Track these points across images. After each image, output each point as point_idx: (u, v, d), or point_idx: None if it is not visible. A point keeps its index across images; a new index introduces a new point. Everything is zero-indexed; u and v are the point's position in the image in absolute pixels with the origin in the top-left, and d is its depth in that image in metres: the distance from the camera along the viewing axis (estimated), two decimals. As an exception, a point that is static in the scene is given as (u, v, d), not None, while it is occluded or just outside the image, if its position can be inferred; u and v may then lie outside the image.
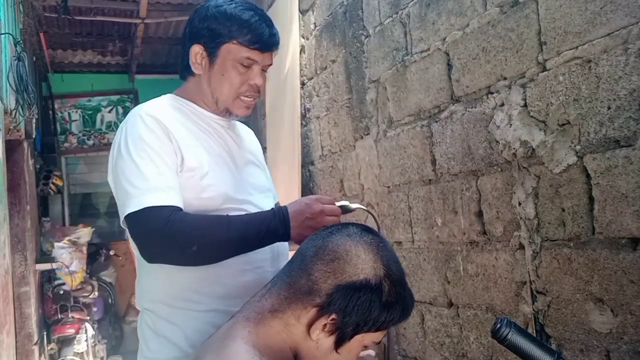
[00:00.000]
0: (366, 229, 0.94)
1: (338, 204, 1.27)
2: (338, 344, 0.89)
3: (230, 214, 1.25)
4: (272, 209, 1.25)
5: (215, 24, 1.29)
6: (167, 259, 1.22)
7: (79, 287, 4.70)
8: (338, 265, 0.87)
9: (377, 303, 0.87)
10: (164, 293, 1.28)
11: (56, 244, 4.54)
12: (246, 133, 1.51)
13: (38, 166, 4.96)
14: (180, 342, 1.25)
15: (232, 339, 0.88)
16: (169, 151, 1.22)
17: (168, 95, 1.39)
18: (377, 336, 0.91)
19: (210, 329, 1.12)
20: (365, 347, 0.92)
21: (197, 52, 1.31)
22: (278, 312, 0.90)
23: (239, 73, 1.29)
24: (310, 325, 0.88)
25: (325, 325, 0.87)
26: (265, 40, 1.30)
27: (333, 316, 0.86)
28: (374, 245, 0.90)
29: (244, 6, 1.31)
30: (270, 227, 1.20)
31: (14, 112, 3.02)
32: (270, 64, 1.35)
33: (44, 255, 4.55)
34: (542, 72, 1.62)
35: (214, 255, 1.21)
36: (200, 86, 1.35)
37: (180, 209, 1.20)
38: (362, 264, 0.88)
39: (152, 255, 1.20)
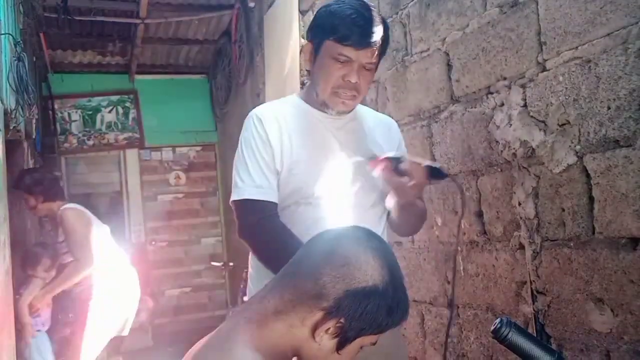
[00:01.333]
0: (371, 234, 0.96)
1: (425, 163, 1.32)
2: (340, 346, 0.90)
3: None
4: None
5: (320, 21, 1.39)
6: (246, 243, 1.43)
7: (78, 287, 4.67)
8: (348, 270, 0.88)
9: (383, 308, 0.88)
10: (250, 263, 1.53)
11: (56, 245, 4.52)
12: (367, 130, 1.51)
13: (38, 166, 4.95)
14: None
15: (235, 343, 0.88)
16: (269, 151, 1.39)
17: (291, 96, 1.53)
18: (375, 338, 0.93)
19: None
20: (361, 348, 0.93)
21: (307, 49, 1.44)
22: (282, 313, 0.90)
23: (335, 69, 1.35)
24: (315, 327, 0.88)
25: (329, 328, 0.88)
26: (357, 37, 1.32)
27: (341, 320, 0.87)
28: (380, 250, 0.92)
29: (350, 5, 1.35)
30: None
31: (14, 113, 3.02)
32: (372, 62, 1.37)
33: (44, 256, 4.53)
34: (542, 72, 1.62)
35: (271, 267, 1.35)
36: (311, 84, 1.45)
37: (274, 204, 1.39)
38: (372, 270, 0.89)
39: (240, 235, 1.42)
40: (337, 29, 1.33)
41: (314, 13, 1.46)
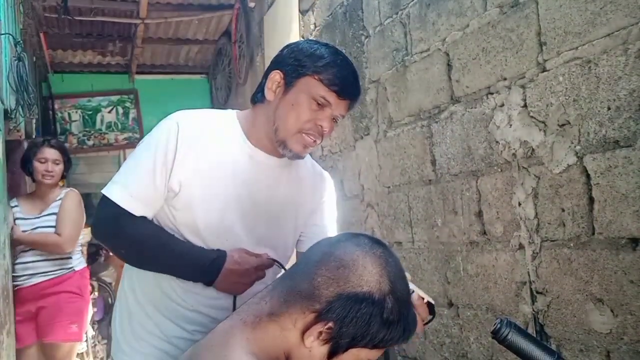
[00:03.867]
0: (377, 242, 0.91)
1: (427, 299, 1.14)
2: (331, 355, 0.86)
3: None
4: (216, 254, 1.25)
5: (303, 56, 1.26)
6: (106, 246, 1.38)
7: (78, 287, 4.67)
8: (343, 273, 0.84)
9: (377, 318, 0.84)
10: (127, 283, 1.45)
11: (56, 244, 4.53)
12: (299, 179, 1.40)
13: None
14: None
15: (231, 348, 0.86)
16: (166, 168, 1.24)
17: (230, 115, 1.36)
18: (373, 354, 0.88)
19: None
20: None
21: (275, 78, 1.28)
22: (275, 315, 0.87)
23: (309, 109, 1.23)
24: (305, 330, 0.85)
25: (320, 332, 0.84)
26: (345, 85, 1.24)
27: (330, 324, 0.83)
28: (382, 259, 0.87)
29: (338, 52, 1.28)
30: (197, 270, 1.25)
31: (14, 113, 3.03)
32: (343, 116, 1.29)
33: (44, 256, 4.53)
34: (542, 72, 1.62)
35: (138, 265, 1.32)
36: (264, 115, 1.30)
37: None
38: (368, 276, 0.85)
39: (96, 236, 1.33)
40: (325, 70, 1.23)
41: (287, 47, 1.32)
